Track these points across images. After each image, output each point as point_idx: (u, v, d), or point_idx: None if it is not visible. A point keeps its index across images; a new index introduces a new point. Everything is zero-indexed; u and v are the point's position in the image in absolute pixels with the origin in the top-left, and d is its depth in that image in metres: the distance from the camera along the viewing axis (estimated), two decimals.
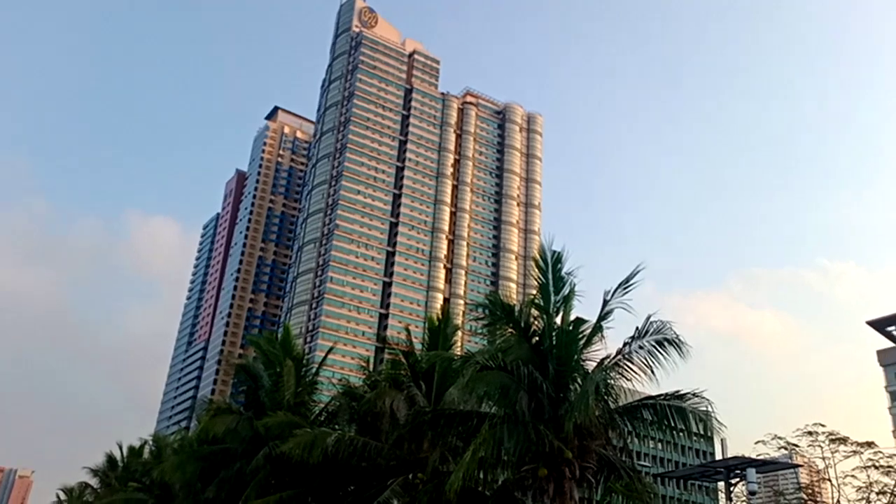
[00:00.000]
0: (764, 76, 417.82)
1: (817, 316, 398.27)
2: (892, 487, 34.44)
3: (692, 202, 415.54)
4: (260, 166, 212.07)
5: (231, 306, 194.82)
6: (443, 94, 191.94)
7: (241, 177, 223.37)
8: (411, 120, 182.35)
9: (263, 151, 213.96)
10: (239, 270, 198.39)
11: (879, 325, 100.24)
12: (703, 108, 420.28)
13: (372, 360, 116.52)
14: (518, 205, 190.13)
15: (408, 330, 26.80)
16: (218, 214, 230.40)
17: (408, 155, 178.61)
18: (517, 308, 19.80)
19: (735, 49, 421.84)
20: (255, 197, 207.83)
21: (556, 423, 17.24)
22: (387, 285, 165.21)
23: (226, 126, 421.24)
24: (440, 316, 26.24)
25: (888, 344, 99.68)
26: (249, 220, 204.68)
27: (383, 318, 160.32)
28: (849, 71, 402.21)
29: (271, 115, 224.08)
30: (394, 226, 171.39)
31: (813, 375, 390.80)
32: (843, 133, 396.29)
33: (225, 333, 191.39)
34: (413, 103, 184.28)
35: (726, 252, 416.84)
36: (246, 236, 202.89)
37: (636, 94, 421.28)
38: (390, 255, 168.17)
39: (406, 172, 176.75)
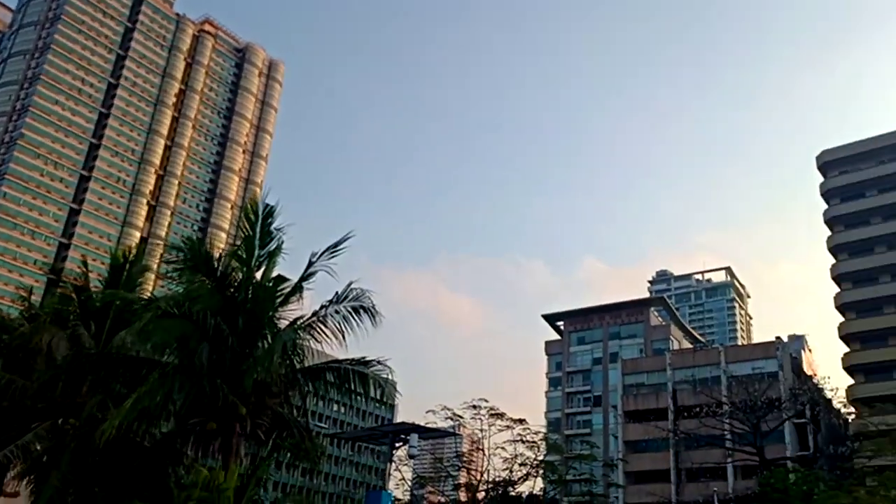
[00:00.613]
0: (509, 62, 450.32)
1: (506, 304, 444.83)
2: (531, 460, 40.18)
3: (424, 184, 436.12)
4: None
5: None
6: (178, 15, 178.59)
7: None
8: (136, 35, 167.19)
9: None
10: None
11: (551, 319, 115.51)
12: (459, 94, 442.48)
13: (42, 293, 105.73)
14: (244, 152, 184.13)
15: (85, 262, 24.79)
16: None
17: (125, 73, 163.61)
18: (216, 256, 19.48)
19: (507, 29, 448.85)
20: None
21: (237, 378, 17.27)
22: (74, 212, 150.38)
23: None
24: (128, 253, 24.73)
25: (555, 337, 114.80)
26: None
27: (64, 248, 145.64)
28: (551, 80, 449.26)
29: None
30: (94, 148, 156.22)
31: (496, 356, 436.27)
32: (547, 150, 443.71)
33: None
34: (141, 17, 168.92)
35: (440, 236, 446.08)
36: None
37: (393, 64, 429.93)
38: (84, 180, 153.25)
39: (120, 91, 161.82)
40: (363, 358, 19.05)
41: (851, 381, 77.40)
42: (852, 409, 73.36)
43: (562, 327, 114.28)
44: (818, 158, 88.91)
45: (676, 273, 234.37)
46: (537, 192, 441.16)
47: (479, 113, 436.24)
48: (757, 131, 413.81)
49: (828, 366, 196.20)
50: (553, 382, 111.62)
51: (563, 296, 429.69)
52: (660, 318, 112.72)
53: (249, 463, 18.82)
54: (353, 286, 19.06)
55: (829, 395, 70.73)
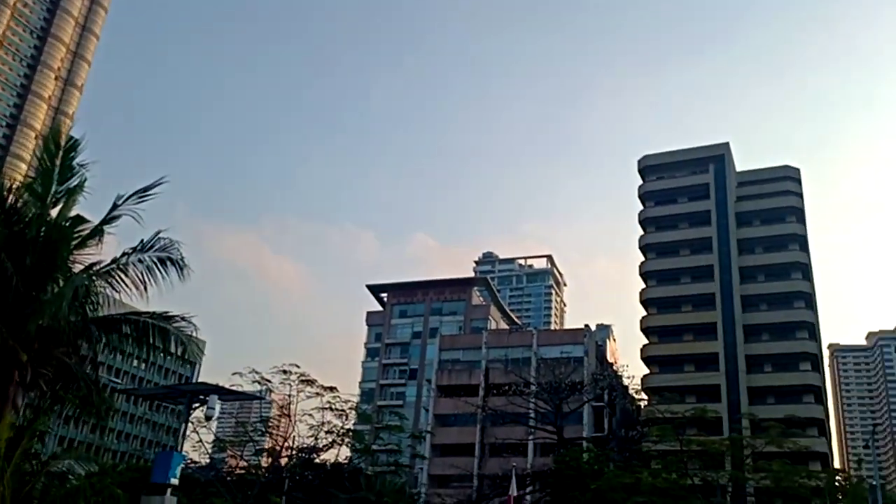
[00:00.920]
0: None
1: (332, 271, 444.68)
2: (339, 428, 40.47)
3: (252, 143, 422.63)
4: None
5: None
6: None
7: None
8: None
9: None
10: None
11: (375, 289, 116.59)
12: (303, 56, 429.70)
13: None
14: (56, 79, 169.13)
15: None
16: None
17: None
18: (8, 187, 17.95)
19: None
20: None
21: (19, 321, 16.01)
22: None
23: None
24: None
25: (378, 308, 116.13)
26: None
27: None
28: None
29: None
30: None
31: (317, 323, 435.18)
32: (388, 125, 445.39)
33: None
34: None
35: (268, 195, 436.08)
36: None
37: (237, 11, 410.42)
38: None
39: None
40: (166, 312, 18.22)
41: (647, 371, 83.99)
42: (645, 397, 79.80)
43: (385, 299, 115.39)
44: (639, 162, 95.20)
45: (502, 256, 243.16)
46: (374, 163, 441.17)
47: (321, 77, 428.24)
48: (589, 130, 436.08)
49: (630, 356, 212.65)
50: (371, 353, 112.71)
51: (391, 269, 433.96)
52: (481, 298, 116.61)
53: (32, 414, 17.60)
54: (161, 235, 18.16)
55: (626, 382, 76.74)
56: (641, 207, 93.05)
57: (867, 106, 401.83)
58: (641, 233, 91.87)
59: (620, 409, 77.60)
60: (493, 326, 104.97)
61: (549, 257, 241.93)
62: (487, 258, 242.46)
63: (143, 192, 18.17)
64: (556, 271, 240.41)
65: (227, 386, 31.99)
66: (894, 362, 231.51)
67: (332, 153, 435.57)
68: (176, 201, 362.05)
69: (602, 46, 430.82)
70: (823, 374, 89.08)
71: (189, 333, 18.58)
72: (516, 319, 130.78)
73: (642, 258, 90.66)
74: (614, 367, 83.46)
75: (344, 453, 47.87)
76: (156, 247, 18.05)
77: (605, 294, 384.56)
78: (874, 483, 47.20)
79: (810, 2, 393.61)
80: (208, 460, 47.60)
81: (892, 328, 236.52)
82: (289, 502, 42.98)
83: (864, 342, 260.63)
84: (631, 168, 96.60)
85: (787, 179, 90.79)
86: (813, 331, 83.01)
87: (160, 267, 17.98)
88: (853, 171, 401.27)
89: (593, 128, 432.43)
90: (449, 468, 73.12)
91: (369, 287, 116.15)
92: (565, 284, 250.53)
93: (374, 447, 52.50)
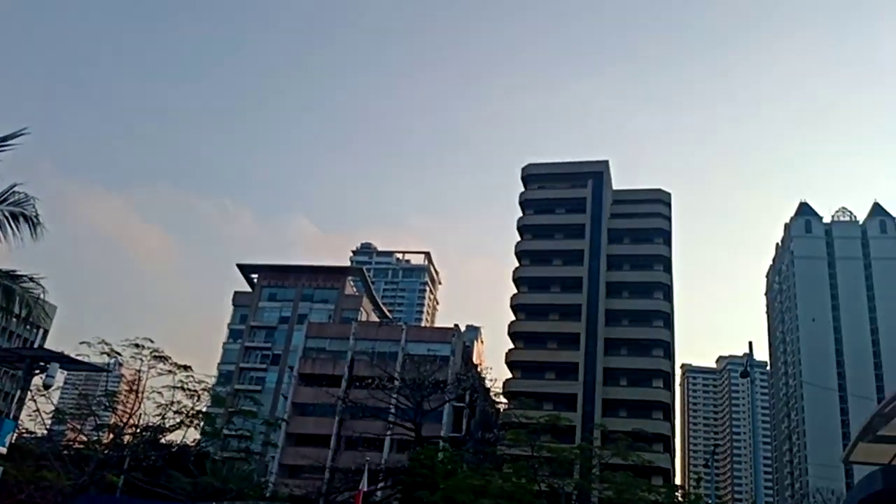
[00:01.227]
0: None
1: (203, 246, 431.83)
2: (189, 409, 39.41)
3: (135, 101, 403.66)
4: None
5: None
6: None
7: None
8: None
9: None
10: None
11: (245, 269, 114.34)
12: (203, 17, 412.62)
13: None
14: None
15: None
16: None
17: None
18: None
19: None
20: None
21: None
22: None
23: None
24: None
25: (247, 289, 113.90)
26: None
27: None
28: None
29: None
30: None
31: (182, 298, 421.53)
32: (277, 103, 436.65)
33: None
34: None
35: (142, 158, 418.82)
36: None
37: None
38: None
39: None
40: (13, 271, 17.48)
41: (510, 376, 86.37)
42: (505, 401, 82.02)
43: (255, 280, 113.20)
44: (523, 170, 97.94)
45: (381, 248, 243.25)
46: (260, 140, 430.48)
47: (208, 38, 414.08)
48: (479, 130, 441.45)
49: (496, 359, 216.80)
50: (234, 334, 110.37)
51: (267, 250, 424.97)
52: (355, 289, 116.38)
53: None
54: (16, 189, 17.38)
55: (488, 384, 78.59)
56: (521, 214, 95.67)
57: (738, 145, 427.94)
58: (519, 239, 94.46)
59: (480, 410, 79.30)
60: (364, 318, 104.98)
61: (428, 254, 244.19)
62: (365, 249, 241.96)
63: (0, 141, 17.30)
64: (432, 269, 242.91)
65: (73, 355, 30.65)
66: (739, 387, 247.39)
67: (215, 122, 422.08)
68: (41, 157, 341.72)
69: (502, 48, 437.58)
70: (674, 393, 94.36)
71: (37, 295, 17.93)
72: (388, 313, 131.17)
73: (517, 264, 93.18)
74: (479, 369, 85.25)
75: (192, 436, 46.73)
76: (9, 200, 17.32)
77: (480, 296, 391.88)
78: (710, 501, 50.46)
79: (702, 43, 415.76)
80: (46, 432, 45.31)
81: (740, 354, 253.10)
82: (127, 482, 41.52)
83: (714, 365, 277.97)
84: (516, 174, 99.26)
85: (658, 202, 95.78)
86: (668, 349, 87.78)
87: (11, 222, 17.29)
88: (719, 203, 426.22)
89: (483, 129, 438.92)
90: (301, 458, 72.50)
91: (240, 266, 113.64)
92: (440, 283, 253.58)
93: (226, 432, 51.49)
